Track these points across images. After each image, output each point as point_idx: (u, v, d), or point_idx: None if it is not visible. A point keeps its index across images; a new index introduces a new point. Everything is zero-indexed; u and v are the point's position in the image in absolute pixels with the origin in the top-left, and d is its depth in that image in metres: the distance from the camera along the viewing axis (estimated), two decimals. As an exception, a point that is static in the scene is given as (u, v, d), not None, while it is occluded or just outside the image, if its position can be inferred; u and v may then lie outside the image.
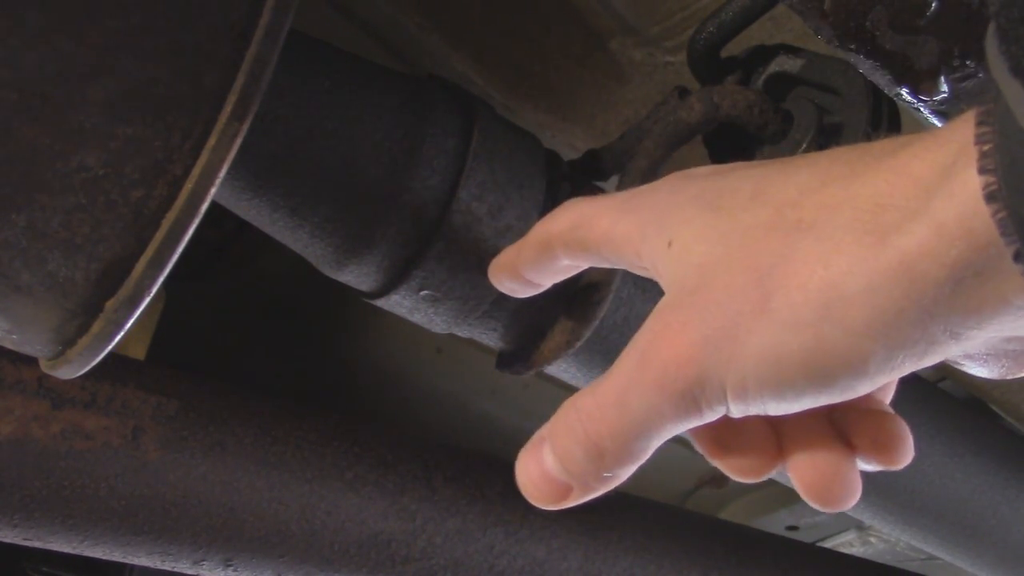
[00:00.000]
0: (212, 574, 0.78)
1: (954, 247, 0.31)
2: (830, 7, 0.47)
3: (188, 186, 0.43)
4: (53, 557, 1.03)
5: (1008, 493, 0.99)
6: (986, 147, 0.30)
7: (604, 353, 0.69)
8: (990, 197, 0.29)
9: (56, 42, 0.40)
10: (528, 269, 0.50)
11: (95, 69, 0.41)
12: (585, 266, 0.48)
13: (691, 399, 0.37)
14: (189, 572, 0.78)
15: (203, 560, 0.76)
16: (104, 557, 0.74)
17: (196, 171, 0.43)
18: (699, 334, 0.37)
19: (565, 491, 0.41)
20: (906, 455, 0.42)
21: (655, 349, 0.38)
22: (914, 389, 0.93)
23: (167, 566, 0.76)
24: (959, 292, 0.32)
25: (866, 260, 0.33)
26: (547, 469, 0.41)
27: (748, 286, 0.36)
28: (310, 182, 0.55)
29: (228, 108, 0.43)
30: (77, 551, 0.72)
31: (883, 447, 0.41)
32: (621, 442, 0.39)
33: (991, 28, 0.29)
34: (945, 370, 1.16)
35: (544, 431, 0.42)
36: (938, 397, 0.97)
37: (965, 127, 0.31)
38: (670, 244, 0.40)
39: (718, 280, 0.37)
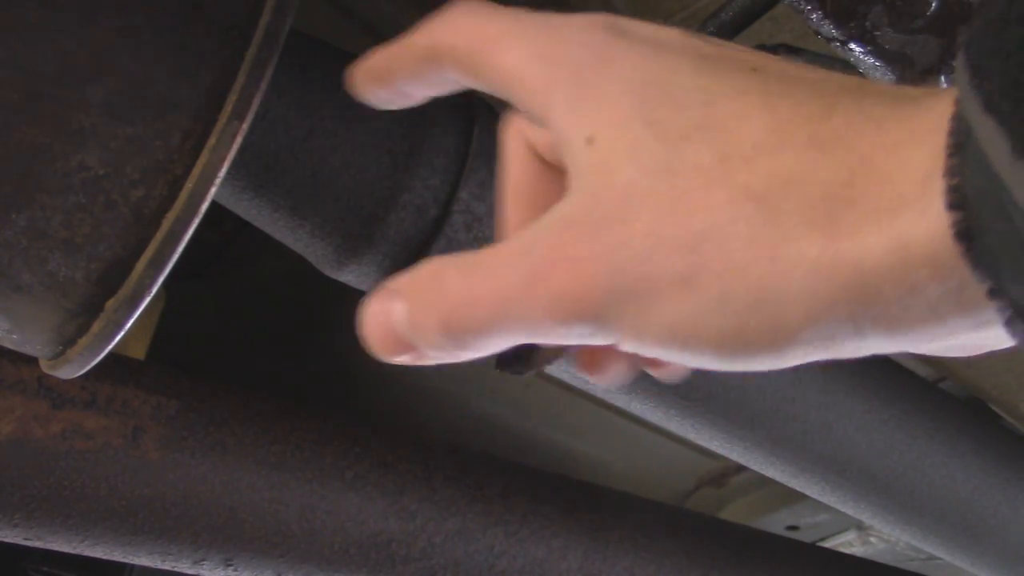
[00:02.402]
0: (212, 574, 0.78)
1: (915, 272, 0.29)
2: (831, 7, 0.47)
3: (188, 186, 0.43)
4: (53, 557, 1.03)
5: (1008, 493, 0.99)
6: (955, 180, 0.28)
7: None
8: (960, 235, 0.28)
9: (56, 42, 0.40)
10: (405, 80, 0.43)
11: (95, 69, 0.41)
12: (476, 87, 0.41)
13: (578, 332, 0.35)
14: (189, 572, 0.78)
15: (203, 560, 0.76)
16: (104, 557, 0.74)
17: (196, 171, 0.43)
18: (607, 280, 0.34)
19: (406, 349, 0.39)
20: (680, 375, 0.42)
21: (552, 272, 0.35)
22: (914, 389, 0.93)
23: (167, 566, 0.76)
24: (906, 313, 0.30)
25: (815, 262, 0.31)
26: (395, 327, 0.39)
27: (674, 248, 0.33)
28: (310, 182, 0.55)
29: (228, 108, 0.43)
30: (77, 551, 0.72)
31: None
32: (485, 340, 0.37)
33: (961, 60, 0.27)
34: (945, 370, 1.16)
35: (399, 287, 0.39)
36: (938, 397, 0.97)
37: (941, 133, 0.29)
38: (590, 141, 0.35)
39: (640, 223, 0.33)
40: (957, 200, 0.28)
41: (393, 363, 0.40)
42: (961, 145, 0.28)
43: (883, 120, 0.31)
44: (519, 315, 0.36)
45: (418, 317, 0.38)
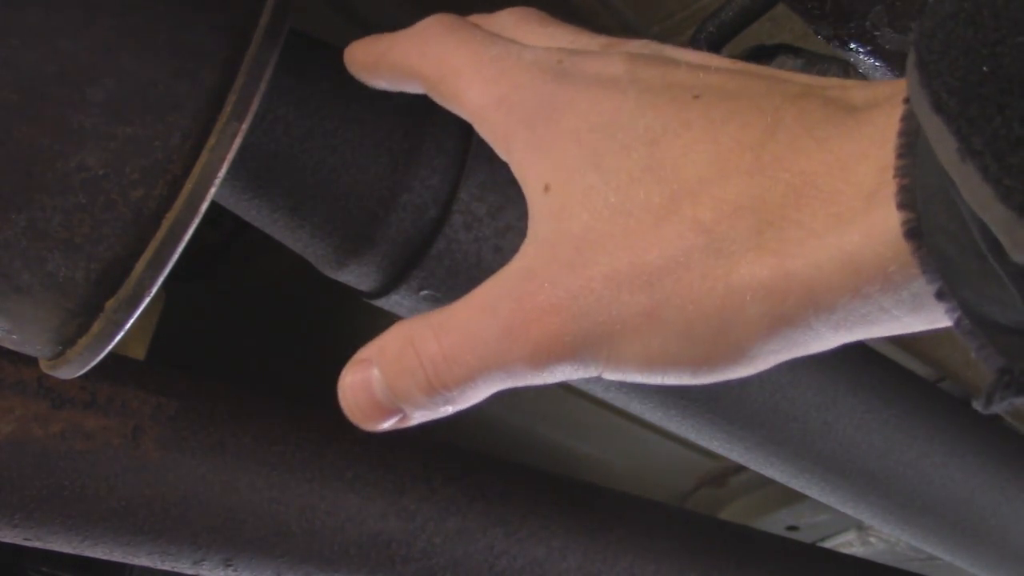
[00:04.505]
0: (212, 574, 0.78)
1: (866, 287, 0.30)
2: (830, 7, 0.47)
3: (188, 186, 0.43)
4: (53, 557, 1.03)
5: (1008, 493, 0.99)
6: (905, 180, 0.28)
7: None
8: (910, 234, 0.28)
9: (56, 42, 0.40)
10: (385, 83, 0.47)
11: (95, 69, 0.41)
12: None
13: (560, 373, 0.37)
14: (189, 572, 0.78)
15: (203, 560, 0.76)
16: (104, 557, 0.74)
17: (196, 171, 0.43)
18: (576, 325, 0.35)
19: (392, 415, 0.40)
20: None
21: (525, 325, 0.36)
22: (914, 389, 0.93)
23: (167, 566, 0.76)
24: (863, 319, 0.32)
25: (768, 285, 0.32)
26: (375, 395, 0.40)
27: (635, 286, 0.34)
28: (310, 182, 0.55)
29: (228, 108, 0.43)
30: (77, 551, 0.72)
31: None
32: (470, 393, 0.38)
33: (911, 57, 0.27)
34: (945, 370, 1.16)
35: (373, 355, 0.40)
36: (938, 397, 0.97)
37: (884, 145, 0.30)
38: (547, 189, 0.37)
39: (600, 265, 0.35)
40: (907, 199, 0.28)
41: (378, 430, 0.41)
42: (911, 145, 0.28)
43: (826, 139, 0.32)
44: (499, 367, 0.37)
45: (398, 382, 0.39)
